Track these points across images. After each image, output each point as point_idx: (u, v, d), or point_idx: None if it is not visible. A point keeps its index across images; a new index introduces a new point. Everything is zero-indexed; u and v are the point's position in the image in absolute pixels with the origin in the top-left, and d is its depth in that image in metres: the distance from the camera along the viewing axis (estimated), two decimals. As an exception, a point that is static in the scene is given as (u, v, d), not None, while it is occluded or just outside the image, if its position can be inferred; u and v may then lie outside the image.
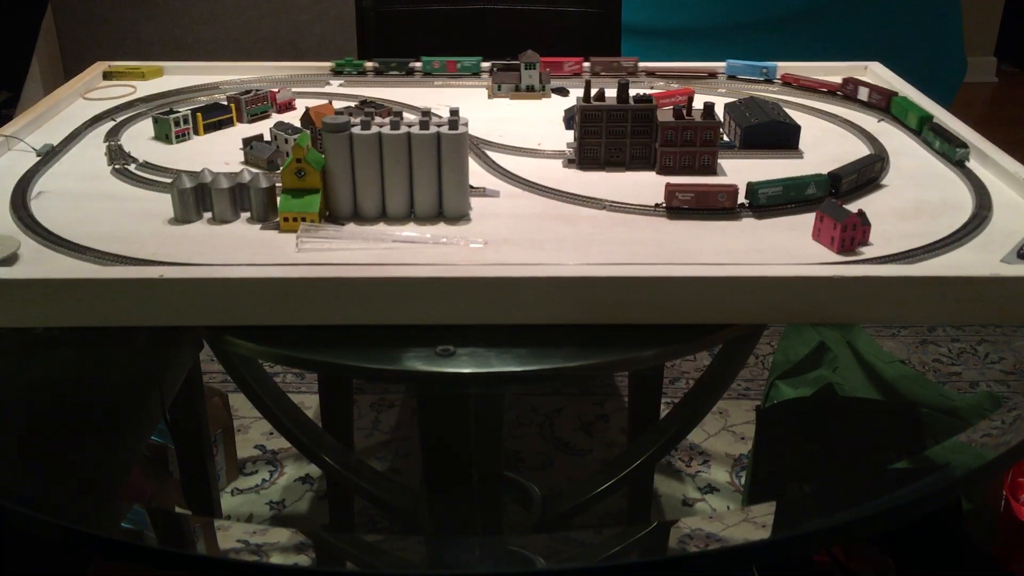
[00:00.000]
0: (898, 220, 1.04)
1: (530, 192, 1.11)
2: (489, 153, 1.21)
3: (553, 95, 1.44)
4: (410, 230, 1.02)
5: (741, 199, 1.06)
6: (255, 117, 1.33)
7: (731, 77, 1.42)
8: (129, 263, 0.94)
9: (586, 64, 1.46)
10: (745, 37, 2.86)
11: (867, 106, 1.31)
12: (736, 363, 1.38)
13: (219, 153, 1.21)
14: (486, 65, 1.49)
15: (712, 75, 1.39)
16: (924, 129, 1.22)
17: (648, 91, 1.25)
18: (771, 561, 1.25)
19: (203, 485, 1.61)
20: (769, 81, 1.37)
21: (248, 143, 1.19)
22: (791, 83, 1.36)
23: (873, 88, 1.21)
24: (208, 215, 1.04)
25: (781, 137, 1.22)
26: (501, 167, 1.17)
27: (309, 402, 2.08)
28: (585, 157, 1.17)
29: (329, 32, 3.25)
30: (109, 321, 0.89)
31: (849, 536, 1.23)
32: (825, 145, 1.25)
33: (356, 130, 1.01)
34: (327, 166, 1.02)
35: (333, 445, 1.41)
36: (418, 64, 1.48)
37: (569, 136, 1.24)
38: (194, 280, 0.88)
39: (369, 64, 1.48)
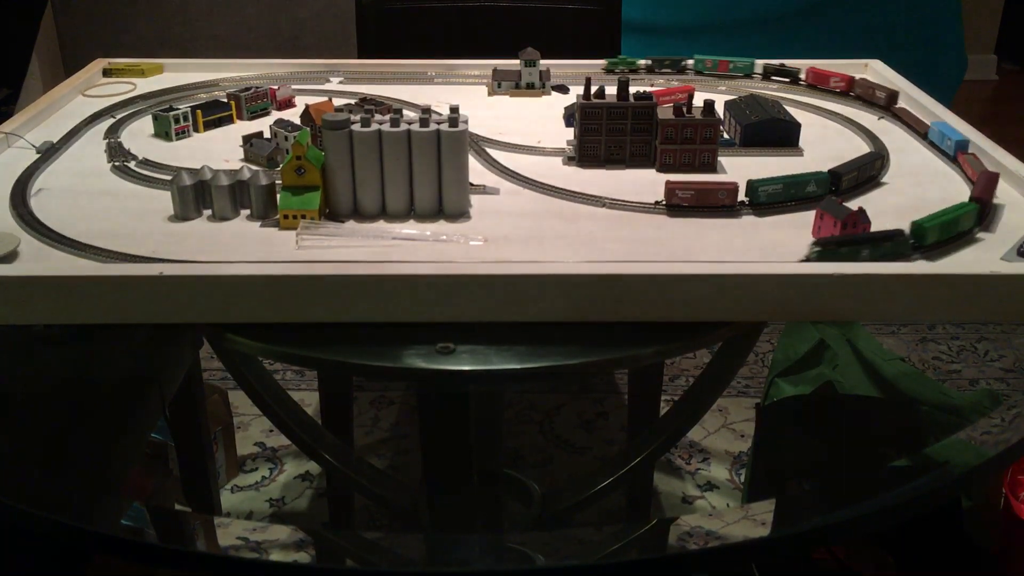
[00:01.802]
0: (898, 218, 1.04)
1: (530, 189, 1.11)
2: (489, 150, 1.21)
3: (553, 92, 1.44)
4: (410, 227, 1.02)
5: (741, 197, 1.06)
6: (255, 114, 1.33)
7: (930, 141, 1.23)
8: (129, 260, 0.93)
9: (858, 77, 1.38)
10: (745, 34, 2.86)
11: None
12: (736, 361, 1.38)
13: (219, 150, 1.21)
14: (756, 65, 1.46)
15: (924, 135, 1.22)
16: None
17: (648, 88, 1.25)
18: (771, 559, 1.25)
19: (203, 482, 1.61)
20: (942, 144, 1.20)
21: (248, 140, 1.19)
22: (962, 165, 1.15)
23: None
24: (208, 212, 1.04)
25: (781, 135, 1.22)
26: (501, 164, 1.16)
27: (309, 399, 2.08)
28: (585, 154, 1.17)
29: (329, 29, 3.25)
30: (109, 318, 0.89)
31: (849, 534, 1.23)
32: (825, 143, 1.25)
33: (356, 127, 1.01)
34: (327, 163, 1.02)
35: (333, 442, 1.41)
36: (690, 62, 1.47)
37: (569, 133, 1.24)
38: (194, 277, 0.88)
39: (642, 62, 1.47)
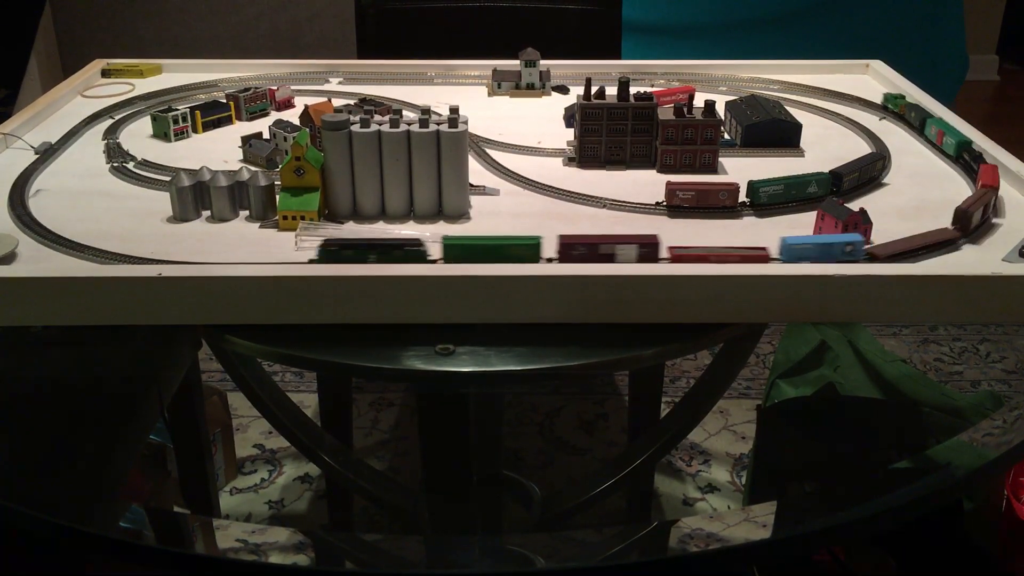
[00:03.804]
0: (899, 219, 1.03)
1: (530, 190, 1.10)
2: (489, 151, 1.20)
3: (553, 93, 1.43)
4: (409, 228, 1.02)
5: (742, 197, 1.06)
6: (254, 115, 1.32)
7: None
8: (127, 261, 0.93)
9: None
10: (746, 35, 2.86)
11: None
12: (737, 362, 1.38)
13: (218, 151, 1.21)
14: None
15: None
16: None
17: (649, 89, 1.24)
18: (772, 561, 1.25)
19: (202, 484, 1.60)
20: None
21: (247, 141, 1.19)
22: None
23: None
24: (207, 213, 1.04)
25: (782, 135, 1.22)
26: (501, 165, 1.16)
27: (308, 401, 2.07)
28: (585, 155, 1.17)
29: (328, 29, 3.24)
30: (107, 320, 0.89)
31: (850, 536, 1.23)
32: (826, 143, 1.24)
33: (355, 128, 1.00)
34: (326, 164, 1.02)
35: (332, 444, 1.41)
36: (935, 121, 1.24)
37: (569, 134, 1.24)
38: (193, 278, 0.88)
39: (907, 105, 1.29)
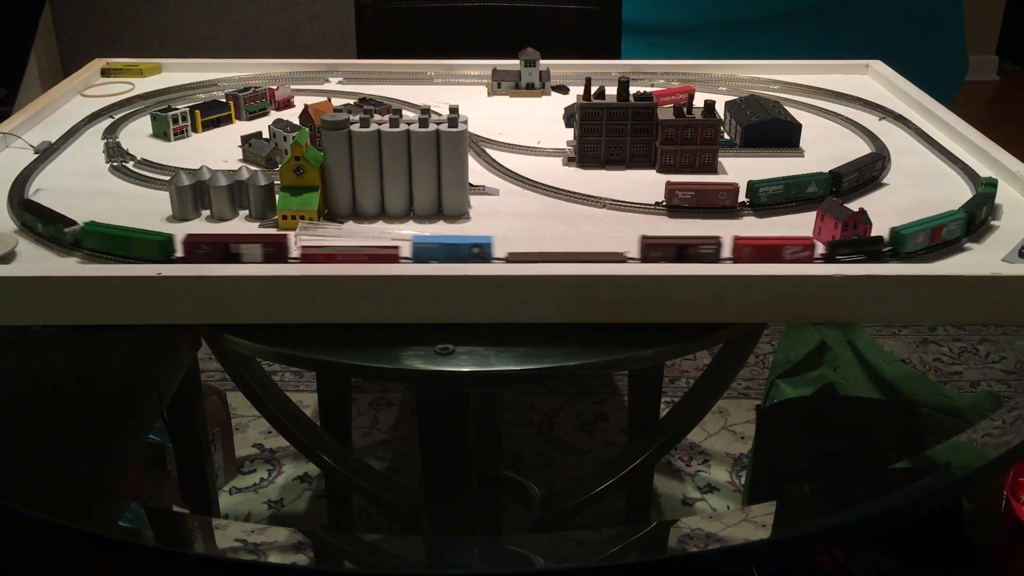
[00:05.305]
0: (899, 219, 1.03)
1: (530, 190, 1.10)
2: (489, 151, 1.20)
3: (553, 93, 1.43)
4: (409, 228, 1.02)
5: (742, 197, 1.06)
6: (254, 114, 1.32)
7: None
8: (127, 261, 0.93)
9: None
10: (746, 35, 2.86)
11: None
12: (736, 362, 1.38)
13: (217, 150, 1.21)
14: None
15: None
16: None
17: (648, 89, 1.24)
18: (771, 561, 1.25)
19: (201, 484, 1.60)
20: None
21: (247, 140, 1.19)
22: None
23: None
24: (206, 213, 1.04)
25: (782, 135, 1.22)
26: (501, 165, 1.16)
27: (308, 401, 2.07)
28: (585, 155, 1.17)
29: (328, 29, 3.25)
30: (107, 319, 0.89)
31: (849, 536, 1.23)
32: (826, 143, 1.24)
33: (355, 128, 1.00)
34: (326, 164, 1.02)
35: (331, 444, 1.41)
36: None
37: (569, 134, 1.24)
38: (192, 278, 0.88)
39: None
